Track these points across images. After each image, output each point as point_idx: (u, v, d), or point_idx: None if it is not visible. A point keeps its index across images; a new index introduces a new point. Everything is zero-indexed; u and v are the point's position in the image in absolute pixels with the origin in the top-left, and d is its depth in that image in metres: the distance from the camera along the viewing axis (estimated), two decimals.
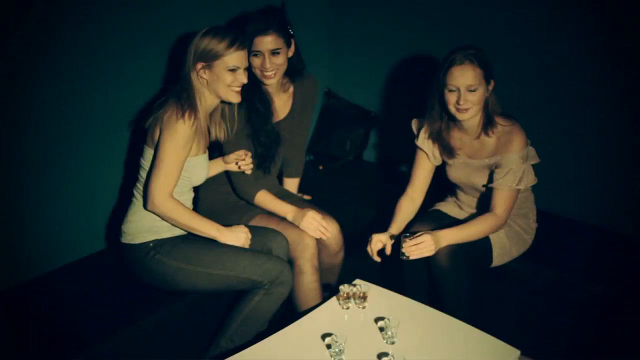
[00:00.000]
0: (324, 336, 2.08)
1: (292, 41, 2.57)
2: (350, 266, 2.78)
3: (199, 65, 2.28)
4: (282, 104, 2.70)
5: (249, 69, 2.49)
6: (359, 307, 2.23)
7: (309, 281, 2.56)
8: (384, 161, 3.64)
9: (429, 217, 2.60)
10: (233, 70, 2.29)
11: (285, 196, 2.77)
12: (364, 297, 2.22)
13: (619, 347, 2.41)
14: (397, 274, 2.52)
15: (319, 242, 2.62)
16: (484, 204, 2.56)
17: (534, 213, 2.61)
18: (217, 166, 2.60)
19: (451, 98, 2.35)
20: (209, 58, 2.26)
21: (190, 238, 2.43)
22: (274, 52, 2.49)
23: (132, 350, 2.29)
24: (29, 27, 2.36)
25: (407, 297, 2.29)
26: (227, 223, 2.55)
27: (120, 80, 2.69)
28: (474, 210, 2.62)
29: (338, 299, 2.26)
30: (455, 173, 2.56)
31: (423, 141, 2.57)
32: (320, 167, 3.56)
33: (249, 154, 2.55)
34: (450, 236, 2.38)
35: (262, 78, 2.54)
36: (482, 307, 2.53)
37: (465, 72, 2.30)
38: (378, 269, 2.81)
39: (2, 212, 2.46)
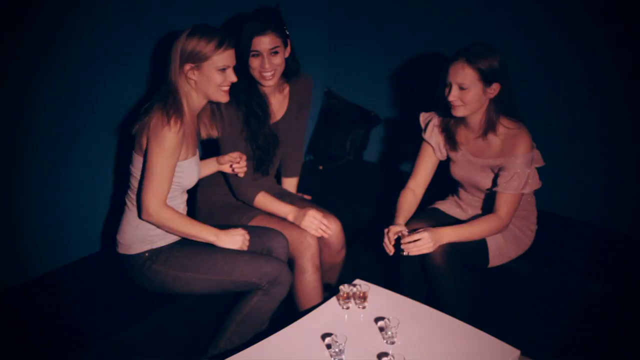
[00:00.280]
0: (324, 336, 2.08)
1: (288, 41, 2.57)
2: (351, 265, 2.79)
3: (188, 67, 2.24)
4: (278, 105, 2.70)
5: (246, 71, 2.50)
6: (359, 307, 2.23)
7: (310, 280, 2.56)
8: (384, 161, 3.64)
9: (427, 215, 2.60)
10: (223, 69, 2.27)
11: (284, 196, 2.77)
12: (364, 297, 2.22)
13: (619, 347, 2.41)
14: (396, 274, 2.52)
15: (321, 240, 2.62)
16: (485, 204, 2.57)
17: (535, 216, 2.61)
18: (211, 166, 2.58)
19: (446, 92, 2.37)
20: (198, 59, 2.23)
21: (186, 244, 2.40)
22: (273, 52, 2.49)
23: (132, 351, 2.29)
24: (9, 35, 2.31)
25: (407, 297, 2.30)
26: (227, 224, 2.55)
27: (109, 82, 2.66)
28: (473, 210, 2.62)
29: (338, 299, 2.26)
30: (458, 170, 2.57)
31: (430, 135, 2.57)
32: (320, 167, 3.56)
33: (244, 157, 2.54)
34: (451, 233, 2.39)
35: (260, 80, 2.54)
36: (482, 307, 2.53)
37: (458, 70, 2.32)
38: (378, 269, 2.81)
39: (3, 212, 2.46)
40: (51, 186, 2.58)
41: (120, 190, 2.56)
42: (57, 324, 2.27)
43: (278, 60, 2.51)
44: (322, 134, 3.64)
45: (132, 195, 2.35)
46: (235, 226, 2.47)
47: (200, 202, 2.72)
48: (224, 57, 2.26)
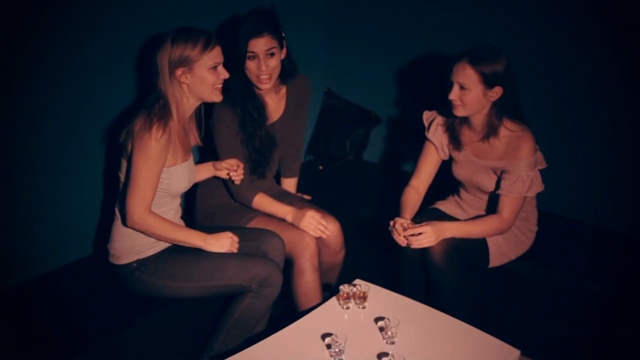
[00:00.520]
0: (324, 336, 2.08)
1: (284, 43, 2.57)
2: (351, 265, 2.78)
3: (179, 71, 2.22)
4: (275, 106, 2.70)
5: (243, 74, 2.49)
6: (359, 307, 2.23)
7: (308, 281, 2.55)
8: (384, 161, 3.64)
9: (428, 215, 2.60)
10: (214, 67, 2.27)
11: (284, 196, 2.76)
12: (364, 297, 2.22)
13: (619, 347, 2.41)
14: (396, 274, 2.52)
15: (319, 241, 2.62)
16: (486, 205, 2.57)
17: (535, 217, 2.61)
18: (207, 171, 2.57)
19: (449, 91, 2.38)
20: (188, 62, 2.22)
21: (174, 251, 2.39)
22: (269, 54, 2.49)
23: (131, 351, 2.29)
24: None
25: (407, 297, 2.29)
26: (226, 225, 2.55)
27: (102, 87, 2.65)
28: (474, 211, 2.62)
29: (338, 299, 2.26)
30: (461, 170, 2.57)
31: (433, 134, 2.58)
32: (320, 167, 3.56)
33: (242, 165, 2.53)
34: (454, 228, 2.40)
35: (257, 83, 2.54)
36: (482, 307, 2.53)
37: (460, 70, 2.33)
38: (378, 269, 2.81)
39: (3, 212, 2.46)
40: (50, 187, 2.58)
41: (113, 196, 2.55)
42: (57, 324, 2.27)
43: (274, 63, 2.51)
44: (322, 134, 3.64)
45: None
46: (227, 229, 2.44)
47: (200, 203, 2.72)
48: (213, 55, 2.25)
